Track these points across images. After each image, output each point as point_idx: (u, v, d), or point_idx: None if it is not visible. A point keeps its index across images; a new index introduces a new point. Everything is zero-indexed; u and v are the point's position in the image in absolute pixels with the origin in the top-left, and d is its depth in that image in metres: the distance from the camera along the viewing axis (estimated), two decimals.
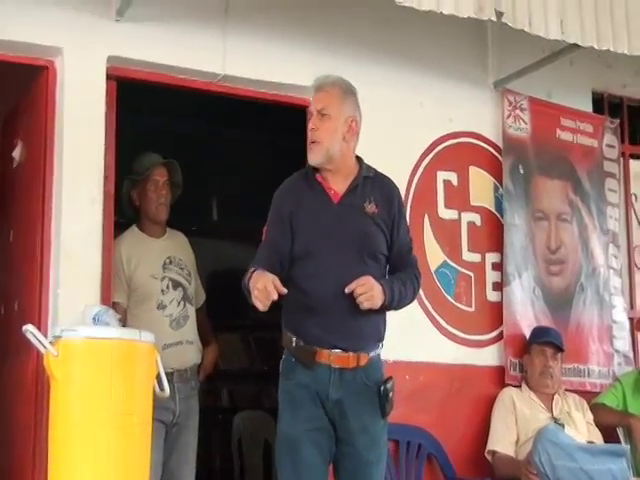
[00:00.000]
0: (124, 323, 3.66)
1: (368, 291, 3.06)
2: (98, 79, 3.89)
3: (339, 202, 3.21)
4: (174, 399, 3.70)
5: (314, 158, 3.19)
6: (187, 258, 4.05)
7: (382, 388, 3.15)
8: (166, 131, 5.28)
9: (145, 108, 4.75)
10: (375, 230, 3.21)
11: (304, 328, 3.12)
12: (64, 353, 3.15)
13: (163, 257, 3.93)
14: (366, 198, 3.22)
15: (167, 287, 3.89)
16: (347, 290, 3.05)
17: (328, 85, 3.25)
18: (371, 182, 3.26)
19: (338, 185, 3.22)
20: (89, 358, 3.16)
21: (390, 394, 3.15)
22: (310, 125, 3.22)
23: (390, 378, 3.19)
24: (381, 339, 3.25)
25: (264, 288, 2.93)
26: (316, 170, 3.23)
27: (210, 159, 5.70)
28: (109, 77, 3.93)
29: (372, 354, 3.18)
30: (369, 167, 3.30)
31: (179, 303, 3.90)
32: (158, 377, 3.34)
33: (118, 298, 3.80)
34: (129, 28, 3.96)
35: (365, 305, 3.05)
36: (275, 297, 2.94)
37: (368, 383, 3.15)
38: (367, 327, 3.18)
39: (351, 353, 3.12)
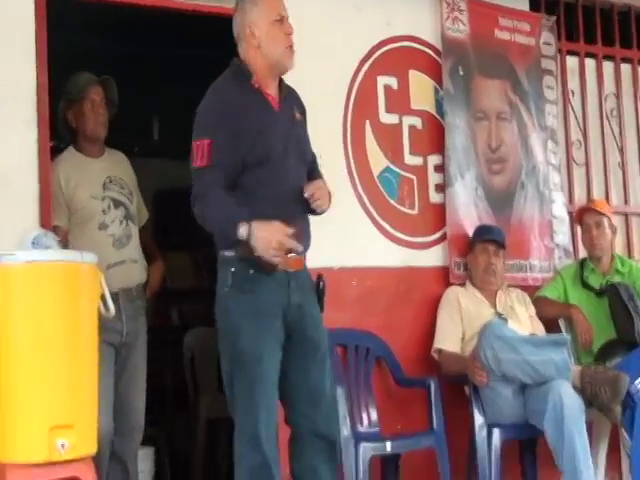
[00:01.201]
0: (65, 246, 3.60)
1: (324, 196, 3.16)
2: None
3: (279, 108, 3.23)
4: (121, 319, 3.68)
5: (293, 63, 3.22)
6: (128, 177, 4.00)
7: (321, 284, 3.26)
8: (97, 49, 5.17)
9: (75, 25, 4.63)
10: (306, 136, 3.33)
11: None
12: (3, 279, 3.06)
13: (103, 177, 3.88)
14: (292, 106, 3.29)
15: (108, 207, 3.84)
16: (306, 194, 3.11)
17: None
18: (289, 91, 3.31)
19: (272, 91, 3.24)
20: (30, 282, 3.07)
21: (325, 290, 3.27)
22: (288, 29, 3.20)
23: (322, 275, 3.29)
24: None
25: (281, 245, 2.99)
26: (247, 74, 3.19)
27: (145, 77, 5.62)
28: None
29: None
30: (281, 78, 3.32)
31: (121, 222, 3.86)
32: (103, 298, 3.28)
33: (58, 221, 3.75)
34: None
35: (322, 208, 3.16)
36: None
37: (309, 282, 3.25)
38: (309, 229, 3.28)
39: (302, 256, 3.20)
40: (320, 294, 3.27)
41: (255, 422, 3.05)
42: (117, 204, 3.88)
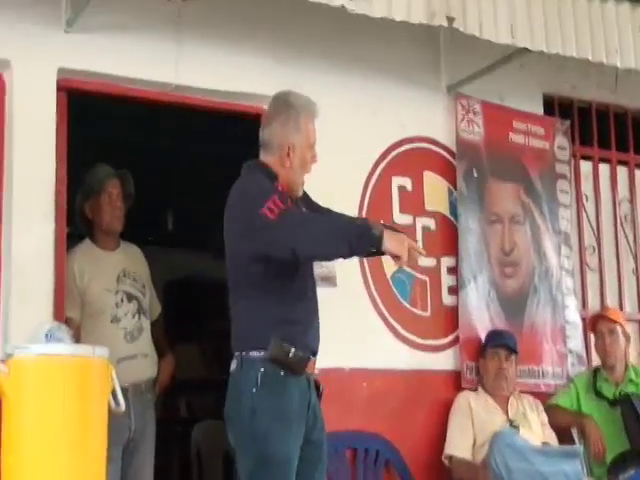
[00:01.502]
0: (77, 339, 3.62)
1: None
2: (48, 91, 3.85)
3: None
4: (129, 414, 3.66)
5: (301, 193, 3.30)
6: (141, 270, 4.02)
7: (321, 387, 3.25)
8: (118, 142, 5.24)
9: (97, 119, 4.70)
10: None
11: (300, 338, 3.10)
12: (16, 371, 3.11)
13: (117, 270, 3.91)
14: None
15: (121, 300, 3.86)
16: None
17: None
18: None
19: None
20: (42, 376, 3.12)
21: None
22: (316, 158, 3.29)
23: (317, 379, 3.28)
24: None
25: (413, 249, 2.99)
26: (272, 176, 3.22)
27: (165, 170, 5.68)
28: (59, 89, 3.90)
29: None
30: None
31: (134, 316, 3.88)
32: (113, 392, 3.29)
33: (71, 313, 3.77)
34: (79, 39, 3.93)
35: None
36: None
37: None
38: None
39: (315, 358, 3.21)
40: (320, 397, 3.26)
41: None
42: (130, 298, 3.90)
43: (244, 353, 3.11)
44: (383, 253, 3.00)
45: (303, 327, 3.12)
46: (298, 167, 3.25)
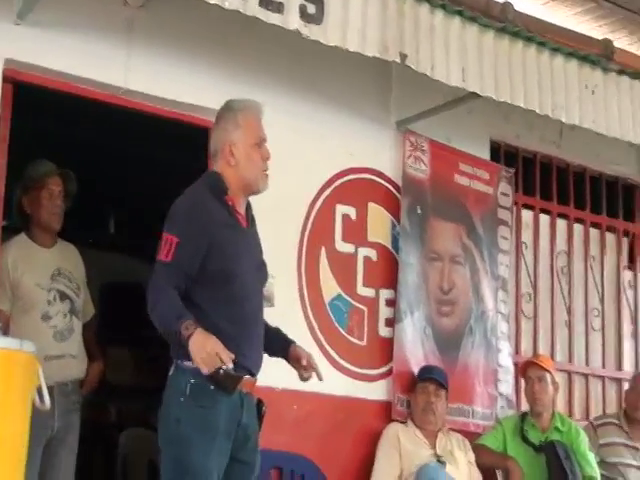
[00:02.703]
0: (6, 331, 3.51)
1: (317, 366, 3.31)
2: None
3: (247, 227, 3.23)
4: (53, 413, 3.55)
5: (266, 187, 3.24)
6: (77, 271, 3.95)
7: (263, 408, 3.20)
8: (66, 138, 5.17)
9: (45, 112, 4.64)
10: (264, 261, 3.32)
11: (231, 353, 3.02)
12: None
13: (52, 268, 3.82)
14: (255, 224, 3.30)
15: (54, 298, 3.78)
16: (304, 362, 3.27)
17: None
18: (251, 209, 3.31)
19: (242, 210, 3.23)
20: None
21: None
22: (266, 154, 3.24)
23: (262, 400, 3.23)
24: None
25: (215, 355, 2.89)
26: (223, 190, 3.17)
27: (112, 171, 5.61)
28: (5, 79, 3.84)
29: None
30: None
31: (65, 315, 3.79)
32: (39, 389, 3.19)
33: (1, 305, 3.68)
34: (29, 32, 3.89)
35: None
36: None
37: (254, 404, 3.18)
38: (262, 354, 3.23)
39: (255, 378, 3.16)
40: (261, 417, 3.21)
41: None
42: (63, 297, 3.82)
43: (179, 361, 3.06)
44: None
45: (239, 345, 3.03)
46: (246, 163, 3.19)
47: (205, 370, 2.89)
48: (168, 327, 2.98)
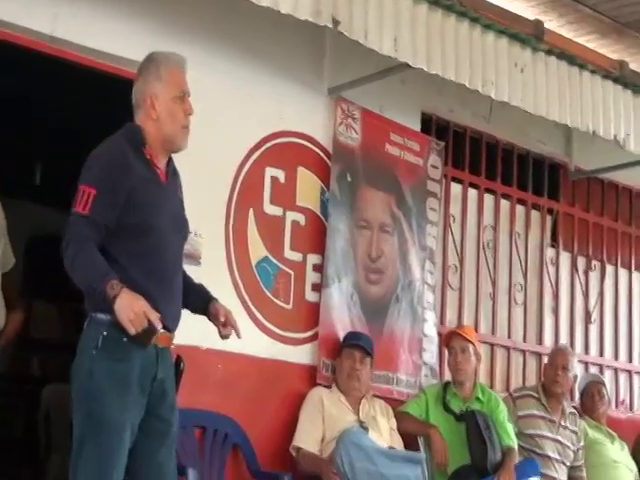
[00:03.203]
0: None
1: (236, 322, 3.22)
2: None
3: (166, 182, 3.15)
4: None
5: (186, 144, 3.16)
6: None
7: (182, 364, 3.15)
8: None
9: None
10: (186, 219, 3.25)
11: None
12: None
13: None
14: (177, 182, 3.23)
15: None
16: (222, 318, 3.18)
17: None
18: (174, 166, 3.24)
19: (161, 165, 3.16)
20: None
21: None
22: (188, 109, 3.15)
23: (180, 356, 3.18)
24: None
25: (143, 315, 2.84)
26: (141, 143, 3.10)
27: (37, 122, 5.46)
28: None
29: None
30: None
31: None
32: None
33: None
34: None
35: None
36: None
37: (171, 361, 3.13)
38: (180, 309, 3.17)
39: (172, 333, 3.10)
40: (178, 375, 3.16)
41: None
42: None
43: (93, 313, 3.00)
44: None
45: (154, 299, 2.96)
46: (167, 118, 3.11)
47: (132, 330, 2.84)
48: (91, 284, 2.91)
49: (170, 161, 3.20)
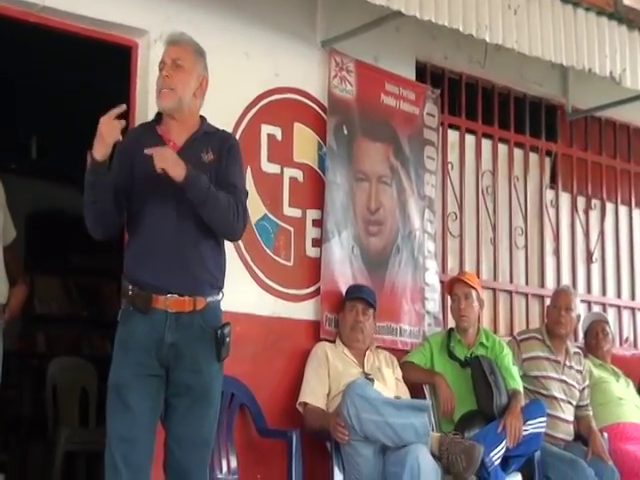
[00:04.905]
0: None
1: (164, 156, 3.12)
2: None
3: (178, 151, 3.21)
4: None
5: (165, 104, 3.26)
6: None
7: (219, 332, 3.23)
8: None
9: None
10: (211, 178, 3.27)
11: (139, 275, 3.16)
12: None
13: None
14: (204, 148, 3.29)
15: None
16: (147, 152, 3.11)
17: (184, 41, 3.35)
18: (211, 136, 3.34)
19: (179, 138, 3.27)
20: None
21: (227, 339, 3.25)
22: (164, 73, 3.27)
23: (227, 323, 3.28)
24: (218, 286, 3.31)
25: (108, 121, 3.03)
26: (159, 122, 3.28)
27: (31, 96, 5.43)
28: None
29: (209, 299, 3.25)
30: (211, 125, 3.40)
31: None
32: None
33: None
34: None
35: (159, 165, 3.09)
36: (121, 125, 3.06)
37: (205, 327, 3.22)
38: (201, 272, 3.23)
39: (187, 297, 3.17)
40: (218, 344, 3.24)
41: (112, 454, 3.07)
42: None
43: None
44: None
45: (150, 264, 3.13)
46: (163, 89, 3.28)
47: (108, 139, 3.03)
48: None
49: (197, 132, 3.30)
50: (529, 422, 4.61)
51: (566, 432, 5.11)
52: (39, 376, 5.19)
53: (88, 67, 4.89)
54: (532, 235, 6.01)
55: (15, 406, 4.05)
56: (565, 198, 6.26)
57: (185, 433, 3.17)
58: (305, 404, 4.41)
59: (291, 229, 4.73)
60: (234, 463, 4.23)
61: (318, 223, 4.81)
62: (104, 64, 3.94)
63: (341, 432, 4.11)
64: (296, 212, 4.76)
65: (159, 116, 3.33)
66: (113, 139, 3.05)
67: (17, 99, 5.16)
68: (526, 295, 5.92)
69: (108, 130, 3.03)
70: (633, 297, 6.55)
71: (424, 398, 4.72)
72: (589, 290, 6.29)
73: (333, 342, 4.65)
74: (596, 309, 6.25)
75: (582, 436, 5.19)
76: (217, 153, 3.29)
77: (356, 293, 4.70)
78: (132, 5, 4.17)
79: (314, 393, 4.42)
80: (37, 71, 5.23)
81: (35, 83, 5.37)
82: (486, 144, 5.84)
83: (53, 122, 5.55)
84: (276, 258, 4.65)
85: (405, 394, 4.65)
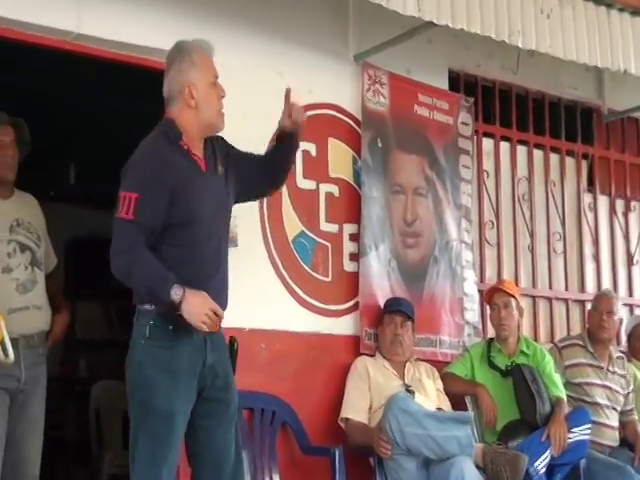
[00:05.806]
0: None
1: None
2: None
3: (206, 170, 3.20)
4: (19, 366, 3.56)
5: (224, 126, 3.24)
6: (36, 221, 3.88)
7: (235, 345, 3.25)
8: (21, 89, 5.05)
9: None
10: (227, 188, 3.27)
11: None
12: None
13: (10, 219, 3.76)
14: (216, 159, 3.26)
15: (14, 250, 3.72)
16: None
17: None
18: (210, 143, 3.27)
19: (197, 150, 3.20)
20: None
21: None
22: (221, 92, 3.23)
23: (234, 337, 3.30)
24: None
25: (213, 315, 2.98)
26: (178, 136, 3.15)
27: (69, 122, 5.51)
28: None
29: None
30: None
31: (26, 267, 3.74)
32: (2, 343, 3.21)
33: None
34: None
35: (301, 118, 3.46)
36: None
37: (223, 342, 3.23)
38: (227, 290, 3.25)
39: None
40: (233, 356, 3.25)
41: None
42: (23, 248, 3.77)
43: (139, 306, 3.11)
44: None
45: (196, 286, 3.03)
46: (204, 104, 3.17)
47: (206, 329, 2.97)
48: (156, 291, 2.99)
49: (207, 143, 3.24)
50: (573, 430, 4.58)
51: (612, 438, 5.07)
52: (82, 401, 5.24)
53: (122, 91, 4.95)
54: (571, 240, 5.97)
55: (59, 431, 4.09)
56: (603, 201, 6.20)
57: (223, 447, 3.17)
58: (347, 420, 4.42)
59: (328, 244, 4.75)
60: None
61: (355, 237, 4.82)
62: (138, 89, 3.97)
63: (384, 447, 4.12)
64: (333, 227, 4.78)
65: (174, 128, 3.15)
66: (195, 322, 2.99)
67: (56, 125, 5.21)
68: (566, 301, 5.89)
69: (204, 317, 2.98)
70: None
71: (466, 409, 4.69)
72: (631, 293, 6.23)
73: (373, 356, 4.66)
74: (638, 312, 6.19)
75: (628, 441, 5.15)
76: (221, 160, 3.28)
77: (394, 306, 4.71)
78: (161, 28, 4.19)
79: (356, 408, 4.43)
80: (71, 97, 5.29)
81: (72, 109, 5.45)
82: (521, 150, 5.81)
83: (90, 147, 5.61)
84: (314, 274, 4.67)
85: (446, 405, 4.65)
